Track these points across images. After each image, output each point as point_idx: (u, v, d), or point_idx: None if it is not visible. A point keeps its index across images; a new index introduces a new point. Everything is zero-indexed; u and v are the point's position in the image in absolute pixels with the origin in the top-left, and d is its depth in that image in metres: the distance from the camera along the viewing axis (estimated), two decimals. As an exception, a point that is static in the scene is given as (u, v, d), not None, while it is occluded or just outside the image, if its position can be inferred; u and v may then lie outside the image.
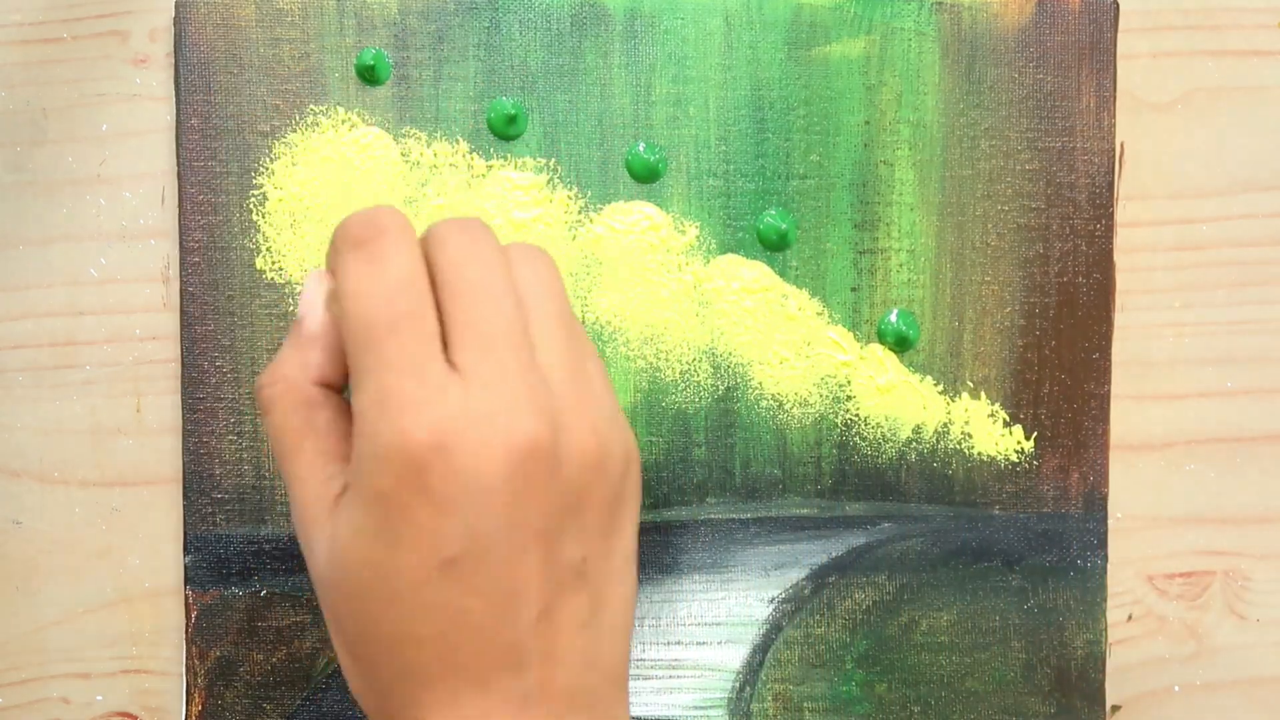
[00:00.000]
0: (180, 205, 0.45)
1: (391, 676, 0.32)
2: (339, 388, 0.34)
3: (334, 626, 0.33)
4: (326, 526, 0.32)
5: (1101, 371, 0.46)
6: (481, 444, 0.30)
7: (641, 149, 0.45)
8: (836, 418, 0.46)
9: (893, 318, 0.45)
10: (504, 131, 0.45)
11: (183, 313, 0.45)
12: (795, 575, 0.46)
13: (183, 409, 0.45)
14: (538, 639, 0.31)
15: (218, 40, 0.44)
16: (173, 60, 0.45)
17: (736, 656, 0.45)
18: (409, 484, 0.30)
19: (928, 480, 0.46)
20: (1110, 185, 0.46)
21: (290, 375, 0.33)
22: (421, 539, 0.30)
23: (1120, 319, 0.47)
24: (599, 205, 0.45)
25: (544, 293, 0.33)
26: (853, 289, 0.46)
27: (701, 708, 0.45)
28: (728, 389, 0.45)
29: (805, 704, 0.45)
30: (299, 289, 0.45)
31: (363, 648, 0.32)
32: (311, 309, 0.33)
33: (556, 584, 0.31)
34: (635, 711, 0.45)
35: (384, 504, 0.30)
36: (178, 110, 0.45)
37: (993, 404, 0.46)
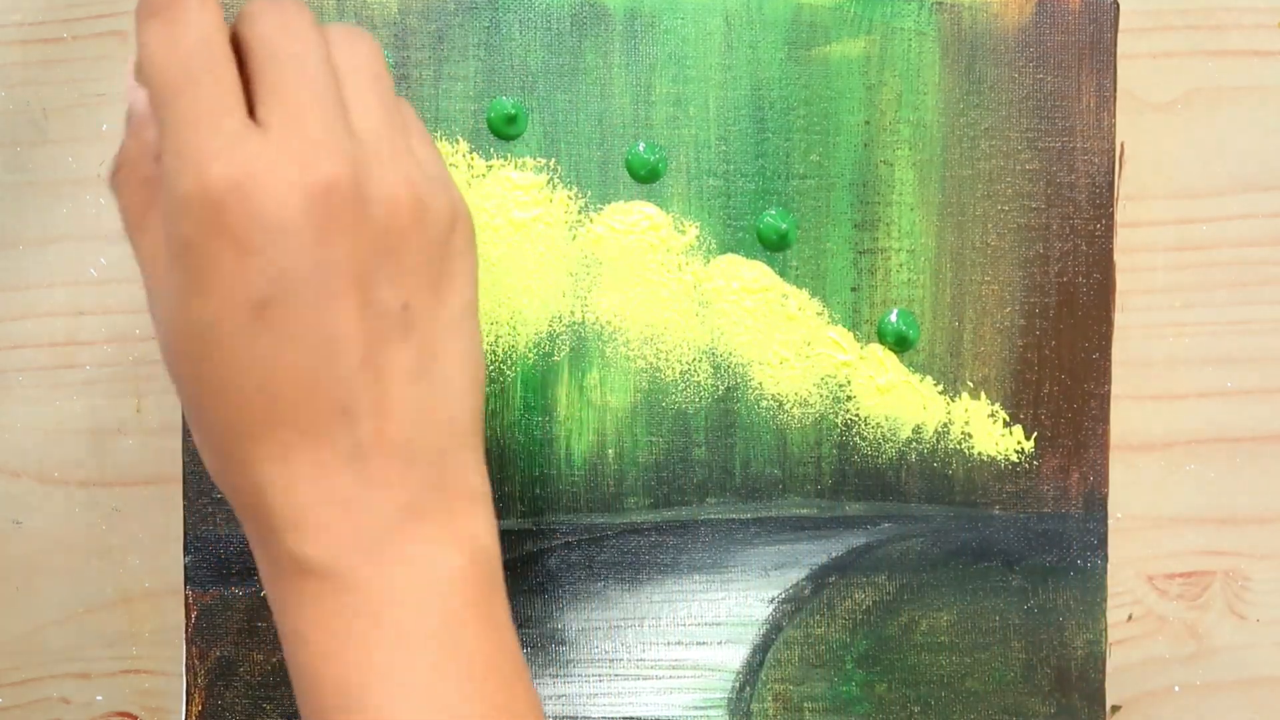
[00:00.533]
0: (180, 205, 0.45)
1: (224, 435, 0.32)
2: None
3: (179, 396, 0.33)
4: (161, 293, 0.32)
5: (1101, 371, 0.46)
6: (279, 183, 0.30)
7: (641, 149, 0.45)
8: (836, 418, 0.46)
9: (893, 318, 0.45)
10: (504, 131, 0.45)
11: (183, 313, 0.44)
12: (795, 575, 0.46)
13: (182, 409, 0.45)
14: (364, 388, 0.31)
15: (218, 40, 0.44)
16: (173, 60, 0.45)
17: (736, 656, 0.45)
18: (209, 227, 0.30)
19: (928, 480, 0.46)
20: (1110, 185, 0.46)
21: (130, 158, 0.33)
22: (227, 283, 0.30)
23: (1120, 319, 0.47)
24: (599, 205, 0.45)
25: (361, 67, 0.33)
26: (853, 289, 0.46)
27: (701, 708, 0.45)
28: (728, 389, 0.45)
29: (805, 704, 0.45)
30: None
31: (196, 410, 0.32)
32: (134, 92, 0.33)
33: (377, 331, 0.31)
34: (635, 712, 0.45)
35: (189, 252, 0.30)
36: (178, 110, 0.45)
37: (993, 404, 0.46)
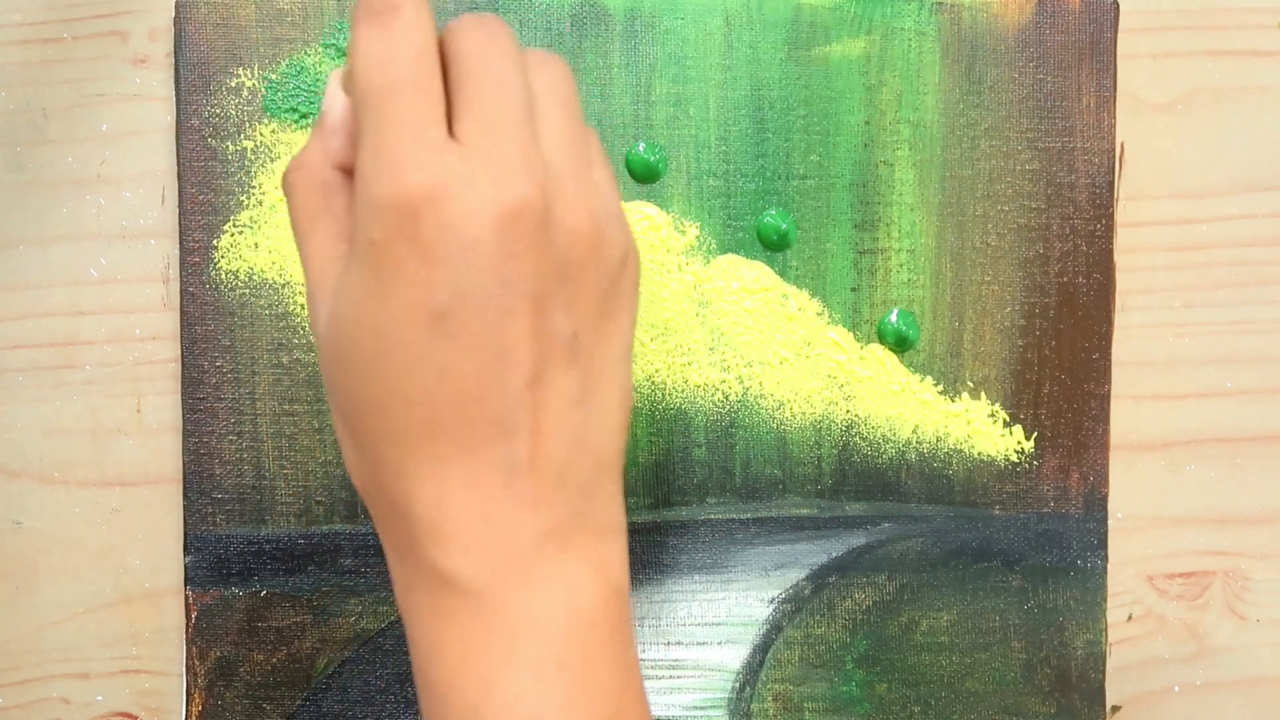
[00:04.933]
0: (180, 205, 0.45)
1: (380, 441, 0.32)
2: None
3: (331, 399, 0.33)
4: (329, 296, 0.32)
5: (1101, 371, 0.46)
6: (473, 198, 0.30)
7: (641, 149, 0.45)
8: (836, 418, 0.46)
9: (893, 318, 0.45)
10: (504, 131, 0.45)
11: (183, 313, 0.45)
12: (795, 575, 0.46)
13: (183, 409, 0.45)
14: (526, 408, 0.31)
15: (218, 40, 0.44)
16: (173, 60, 0.45)
17: (736, 656, 0.45)
18: (399, 233, 0.30)
19: (928, 480, 0.46)
20: (1110, 185, 0.46)
21: (311, 161, 0.34)
22: (410, 290, 0.30)
23: (1120, 319, 0.47)
24: (599, 205, 0.45)
25: (554, 91, 0.33)
26: (853, 289, 0.46)
27: (701, 708, 0.45)
28: (728, 389, 0.45)
29: (805, 704, 0.45)
30: (302, 286, 0.45)
31: (354, 413, 0.32)
32: (333, 101, 0.34)
33: (546, 353, 0.32)
34: (635, 711, 0.45)
35: (375, 254, 0.31)
36: (178, 110, 0.45)
37: (993, 404, 0.46)
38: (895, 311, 0.45)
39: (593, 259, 0.32)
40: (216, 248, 0.44)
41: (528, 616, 0.31)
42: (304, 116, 0.45)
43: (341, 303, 0.32)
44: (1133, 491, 0.47)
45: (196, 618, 0.45)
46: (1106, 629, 0.46)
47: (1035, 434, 0.46)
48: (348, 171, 0.34)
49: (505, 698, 0.31)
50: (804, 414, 0.45)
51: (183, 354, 0.45)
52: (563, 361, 0.32)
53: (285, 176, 0.34)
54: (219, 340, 0.44)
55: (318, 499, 0.45)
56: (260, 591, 0.45)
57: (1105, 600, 0.46)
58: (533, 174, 0.31)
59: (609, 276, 0.33)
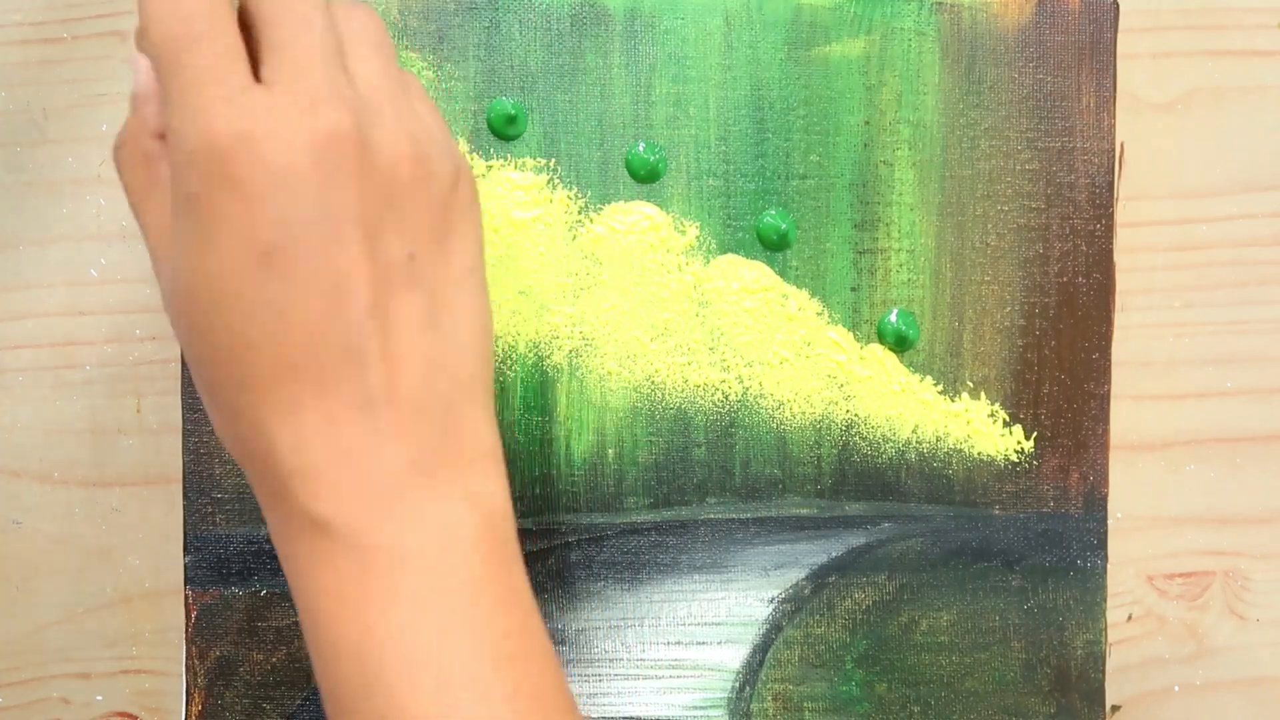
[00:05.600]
0: (180, 205, 0.45)
1: (234, 393, 0.31)
2: None
3: (187, 357, 0.33)
4: (167, 258, 0.32)
5: (1101, 371, 0.46)
6: (285, 131, 0.30)
7: (641, 149, 0.45)
8: (836, 418, 0.46)
9: (893, 318, 0.45)
10: (504, 131, 0.45)
11: (183, 313, 0.45)
12: (795, 575, 0.46)
13: (183, 409, 0.45)
14: (372, 335, 0.31)
15: (218, 40, 0.44)
16: (173, 60, 0.45)
17: (736, 656, 0.45)
18: (216, 178, 0.30)
19: (928, 480, 0.46)
20: (1110, 185, 0.46)
21: (132, 133, 0.33)
22: (235, 232, 0.30)
23: (1120, 319, 0.47)
24: (599, 205, 0.45)
25: (365, 35, 0.33)
26: (853, 289, 0.46)
27: (701, 708, 0.45)
28: (727, 389, 0.45)
29: (805, 704, 0.45)
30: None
31: (205, 369, 0.32)
32: (138, 66, 0.33)
33: (384, 279, 0.31)
34: (635, 711, 0.45)
35: (196, 205, 0.30)
36: (178, 110, 0.45)
37: (993, 404, 0.46)
38: (895, 311, 0.45)
39: (420, 180, 0.32)
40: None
41: (402, 551, 0.31)
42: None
43: (175, 262, 0.31)
44: (1133, 491, 0.47)
45: (196, 617, 0.45)
46: (1106, 629, 0.46)
47: (1035, 434, 0.46)
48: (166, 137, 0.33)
49: (387, 636, 0.31)
50: (804, 414, 0.45)
51: (183, 354, 0.45)
52: (403, 285, 0.32)
53: (113, 154, 0.34)
54: (219, 340, 0.44)
55: (318, 499, 0.45)
56: (260, 591, 0.45)
57: (1105, 600, 0.46)
58: (342, 101, 0.31)
59: (439, 197, 0.33)
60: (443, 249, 0.33)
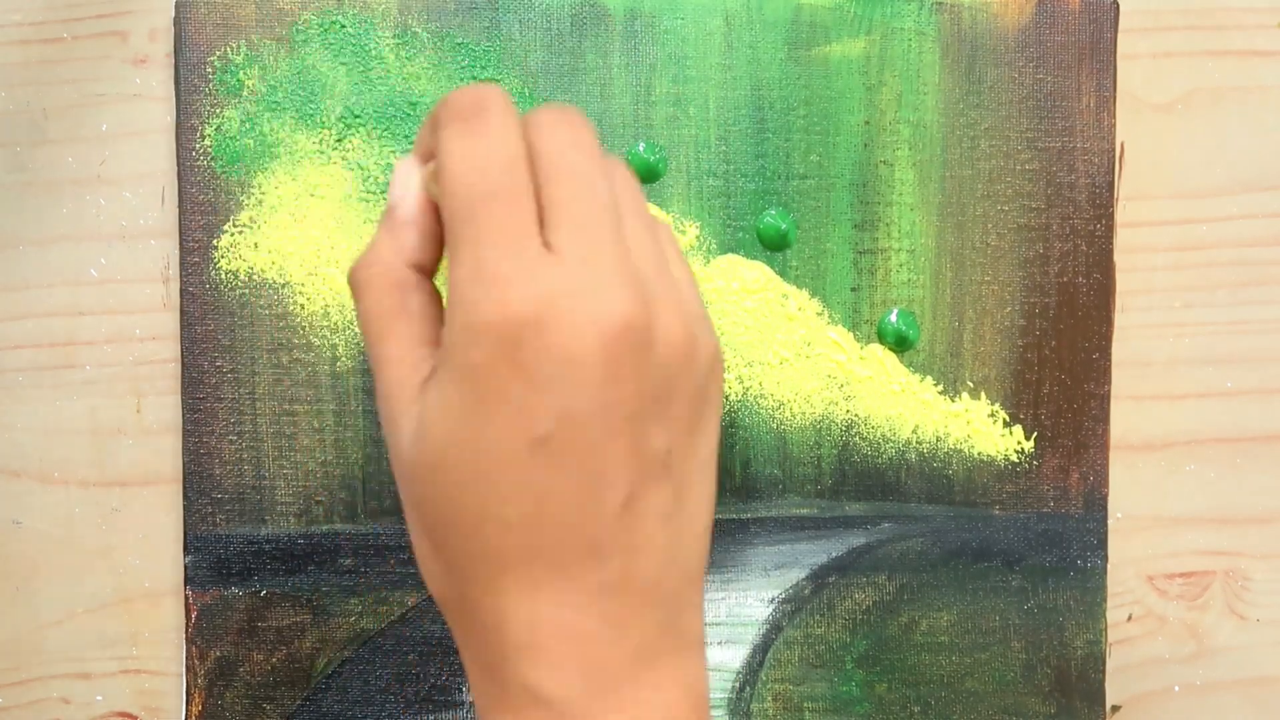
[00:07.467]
0: (180, 205, 0.45)
1: (471, 560, 0.31)
2: (432, 273, 0.33)
3: (415, 512, 0.32)
4: (413, 408, 0.31)
5: (1101, 371, 0.46)
6: (578, 320, 0.29)
7: (641, 149, 0.45)
8: (836, 418, 0.46)
9: (893, 318, 0.45)
10: (504, 131, 0.45)
11: (183, 313, 0.45)
12: (795, 575, 0.46)
13: (183, 409, 0.45)
14: (621, 528, 0.31)
15: (217, 40, 0.44)
16: (173, 60, 0.45)
17: (736, 656, 0.45)
18: (503, 358, 0.29)
19: (928, 480, 0.46)
20: (1110, 185, 0.46)
21: (384, 258, 0.33)
22: (513, 416, 0.30)
23: (1120, 319, 0.47)
24: (599, 205, 0.45)
25: (628, 189, 0.33)
26: (853, 289, 0.46)
27: (701, 708, 0.45)
28: (728, 389, 0.45)
29: (805, 704, 0.45)
30: (302, 286, 0.45)
31: (444, 531, 0.31)
32: (404, 194, 0.33)
33: (642, 472, 0.31)
34: (635, 711, 0.45)
35: (476, 378, 0.30)
36: (178, 110, 0.45)
37: (993, 404, 0.46)
38: (895, 311, 0.45)
39: (686, 370, 0.31)
40: (216, 248, 0.44)
41: None
42: (304, 116, 0.45)
43: (434, 422, 0.31)
44: (1133, 491, 0.47)
45: (196, 618, 0.45)
46: (1106, 629, 0.46)
47: (1035, 434, 0.46)
48: (422, 269, 0.33)
49: None
50: (804, 414, 0.45)
51: (182, 354, 0.45)
52: (656, 478, 0.31)
53: (354, 274, 0.33)
54: (219, 340, 0.44)
55: (317, 499, 0.45)
56: (260, 591, 0.45)
57: (1105, 600, 0.46)
58: (633, 286, 0.30)
59: (699, 384, 0.32)
60: (693, 439, 0.32)
